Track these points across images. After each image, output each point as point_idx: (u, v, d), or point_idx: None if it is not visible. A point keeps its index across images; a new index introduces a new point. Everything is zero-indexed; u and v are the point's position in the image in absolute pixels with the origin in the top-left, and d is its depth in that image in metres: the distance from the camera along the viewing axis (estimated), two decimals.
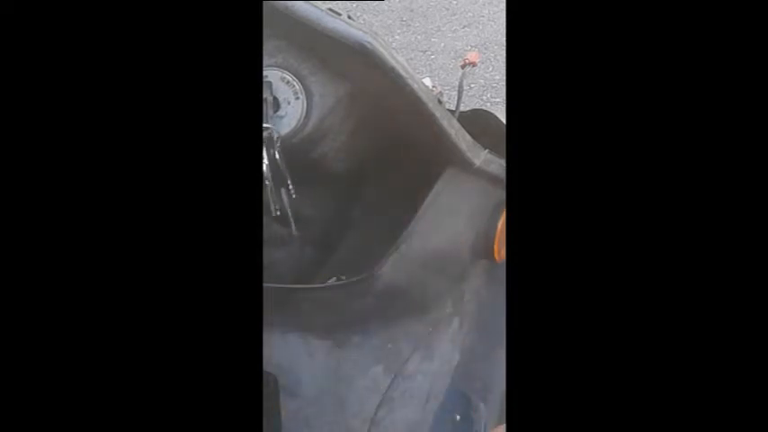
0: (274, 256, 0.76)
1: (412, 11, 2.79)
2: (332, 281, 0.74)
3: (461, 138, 0.64)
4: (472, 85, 2.26)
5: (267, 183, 0.57)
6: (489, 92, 2.27)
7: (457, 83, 0.80)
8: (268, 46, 0.55)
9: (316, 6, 0.53)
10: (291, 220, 0.63)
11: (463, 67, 0.85)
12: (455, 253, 0.74)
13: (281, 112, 0.57)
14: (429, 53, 2.51)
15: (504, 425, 0.41)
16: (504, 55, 2.24)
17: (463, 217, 0.73)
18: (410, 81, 0.55)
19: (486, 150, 0.69)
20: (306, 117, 0.58)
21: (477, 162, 0.67)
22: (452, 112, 0.72)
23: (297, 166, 0.58)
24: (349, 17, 0.54)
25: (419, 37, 2.61)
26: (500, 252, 0.77)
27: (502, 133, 0.77)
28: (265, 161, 0.55)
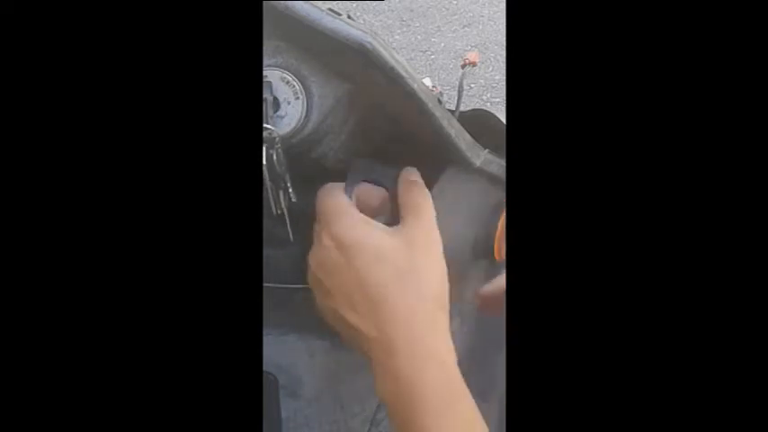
0: (274, 256, 0.75)
1: (412, 11, 2.79)
2: None
3: (461, 138, 0.64)
4: (472, 85, 2.27)
5: (267, 184, 0.56)
6: (489, 92, 2.27)
7: (457, 83, 0.79)
8: (268, 46, 0.55)
9: (316, 6, 0.53)
10: (289, 225, 0.63)
11: (463, 67, 0.85)
12: (455, 253, 0.74)
13: (281, 112, 0.57)
14: (429, 53, 2.51)
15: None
16: (504, 55, 2.24)
17: (463, 217, 0.73)
18: (410, 81, 0.55)
19: (486, 150, 0.69)
20: (306, 117, 0.57)
21: (477, 162, 0.67)
22: (452, 112, 0.72)
23: (297, 166, 0.58)
24: (349, 17, 0.54)
25: (419, 37, 2.61)
26: (500, 252, 0.77)
27: (502, 133, 0.77)
28: (264, 161, 0.55)
